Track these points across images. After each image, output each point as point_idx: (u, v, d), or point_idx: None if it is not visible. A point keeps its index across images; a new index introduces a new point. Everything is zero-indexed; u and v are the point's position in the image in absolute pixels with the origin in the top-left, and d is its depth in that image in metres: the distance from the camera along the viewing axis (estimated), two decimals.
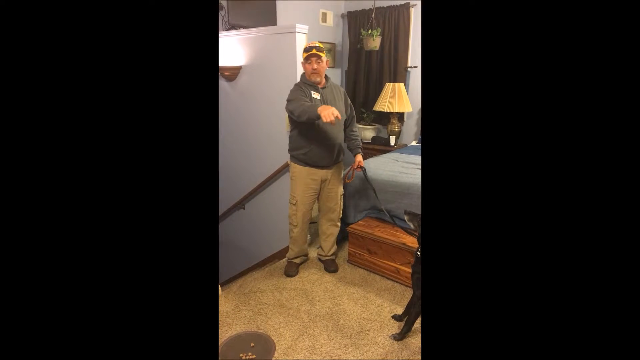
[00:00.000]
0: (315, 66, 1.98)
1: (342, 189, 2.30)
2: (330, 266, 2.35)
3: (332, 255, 2.40)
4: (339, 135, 2.12)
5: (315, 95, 2.03)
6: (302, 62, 2.04)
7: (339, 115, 1.75)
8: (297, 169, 2.14)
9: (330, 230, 2.35)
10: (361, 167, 2.27)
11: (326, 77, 2.11)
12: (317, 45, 1.98)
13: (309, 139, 2.05)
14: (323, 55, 1.99)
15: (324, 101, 2.02)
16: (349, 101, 2.22)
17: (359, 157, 2.28)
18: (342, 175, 2.31)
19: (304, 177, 2.13)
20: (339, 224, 2.37)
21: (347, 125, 2.23)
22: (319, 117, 1.75)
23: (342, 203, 2.33)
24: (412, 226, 1.74)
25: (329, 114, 1.70)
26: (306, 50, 1.98)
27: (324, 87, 2.06)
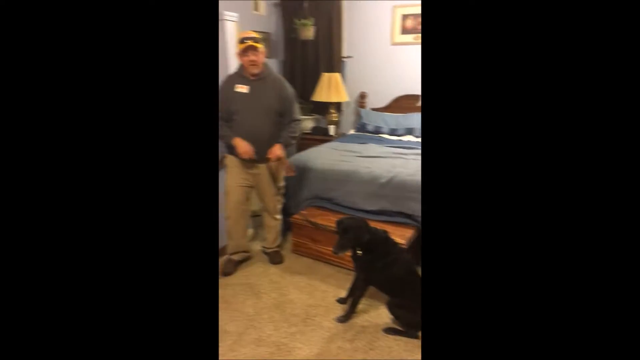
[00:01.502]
0: (252, 58, 1.90)
1: (281, 183, 2.24)
2: (274, 258, 2.34)
3: (276, 247, 2.38)
4: (264, 130, 2.02)
5: (241, 89, 1.96)
6: (237, 54, 1.94)
7: (252, 156, 1.96)
8: (229, 159, 2.10)
9: (270, 223, 2.33)
10: (270, 155, 2.06)
11: (267, 66, 2.03)
12: (253, 35, 1.90)
13: (235, 133, 2.00)
14: (260, 46, 1.91)
15: (249, 95, 1.96)
16: (289, 94, 2.09)
17: (276, 147, 2.06)
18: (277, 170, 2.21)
19: (234, 167, 2.09)
20: (278, 217, 2.34)
21: (286, 120, 2.10)
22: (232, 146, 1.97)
23: (279, 198, 2.30)
24: (348, 252, 1.74)
25: (243, 152, 1.96)
26: (241, 41, 1.89)
27: (258, 79, 1.98)
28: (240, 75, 2.00)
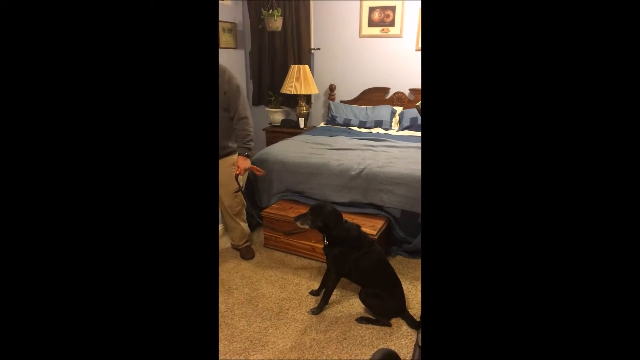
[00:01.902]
0: None
1: (237, 184, 2.10)
2: (245, 254, 2.30)
3: (244, 243, 2.34)
4: None
5: None
6: None
7: None
8: None
9: (230, 224, 2.27)
10: (237, 172, 2.02)
11: None
12: None
13: None
14: None
15: None
16: (231, 87, 1.89)
17: (239, 161, 2.00)
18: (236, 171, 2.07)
19: None
20: (240, 220, 2.26)
21: (232, 116, 1.95)
22: None
23: (238, 199, 2.19)
24: (307, 227, 1.78)
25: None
26: None
27: None
28: None
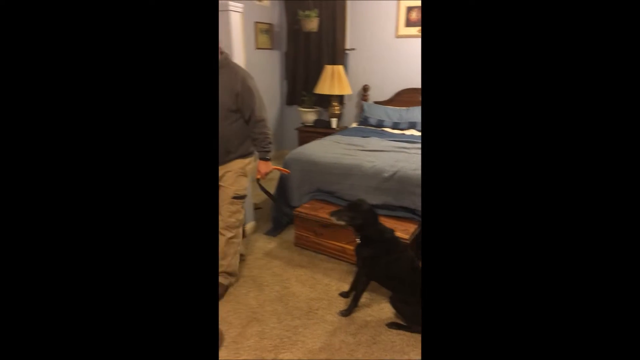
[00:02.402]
0: None
1: (239, 193, 1.86)
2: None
3: (224, 270, 1.88)
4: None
5: None
6: None
7: None
8: None
9: (220, 239, 1.88)
10: (259, 177, 1.91)
11: (225, 57, 1.76)
12: None
13: None
14: None
15: None
16: (246, 89, 1.74)
17: (260, 165, 1.89)
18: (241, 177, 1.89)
19: None
20: (229, 234, 1.86)
21: (247, 119, 1.80)
22: None
23: (235, 209, 1.87)
24: (342, 223, 1.76)
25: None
26: None
27: None
28: None
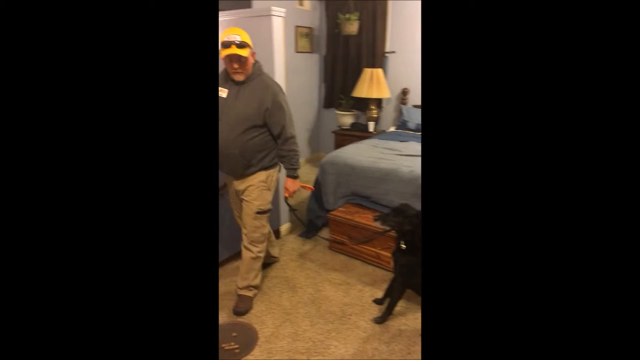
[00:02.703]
0: (235, 65, 1.60)
1: (263, 208, 1.80)
2: (238, 305, 1.84)
3: (245, 288, 1.87)
4: (234, 144, 1.65)
5: (221, 93, 1.69)
6: (220, 55, 1.60)
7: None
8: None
9: (243, 254, 1.87)
10: (287, 195, 1.88)
11: (257, 68, 1.70)
12: (238, 39, 1.56)
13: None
14: (245, 53, 1.58)
15: (225, 101, 1.67)
16: (275, 104, 1.67)
17: (288, 183, 1.84)
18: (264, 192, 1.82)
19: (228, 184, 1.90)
20: (255, 249, 1.84)
21: (276, 135, 1.75)
22: None
23: (259, 224, 1.82)
24: (388, 228, 1.71)
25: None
26: (224, 45, 1.57)
27: (242, 82, 1.66)
28: (223, 76, 1.71)
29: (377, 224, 1.71)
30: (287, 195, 1.87)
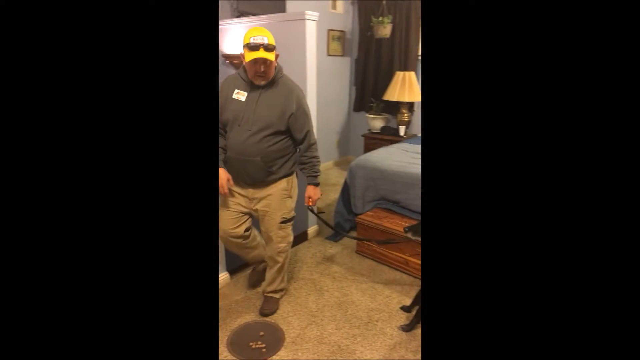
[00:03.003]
0: (262, 69, 1.51)
1: (286, 217, 1.75)
2: (265, 307, 1.85)
3: (272, 291, 1.88)
4: (254, 150, 1.59)
5: (238, 96, 1.59)
6: (243, 59, 1.52)
7: (225, 190, 1.62)
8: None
9: (269, 261, 1.86)
10: (311, 203, 1.81)
11: (279, 71, 1.62)
12: (266, 41, 1.46)
13: (229, 146, 1.66)
14: (273, 55, 1.50)
15: (245, 104, 1.59)
16: (299, 110, 1.61)
17: (310, 191, 1.79)
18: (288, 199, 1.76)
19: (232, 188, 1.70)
20: (280, 258, 1.82)
21: (299, 142, 1.70)
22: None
23: (284, 234, 1.78)
24: (419, 239, 1.63)
25: (220, 186, 1.60)
26: (251, 47, 1.46)
27: (263, 87, 1.58)
28: (242, 78, 1.61)
29: (409, 235, 1.66)
30: (310, 204, 1.82)
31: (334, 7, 3.81)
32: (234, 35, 2.73)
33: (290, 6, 3.20)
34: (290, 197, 1.76)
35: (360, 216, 2.43)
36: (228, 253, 2.05)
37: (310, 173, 1.77)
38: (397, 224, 2.27)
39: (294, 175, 1.79)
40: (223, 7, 3.14)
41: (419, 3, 3.48)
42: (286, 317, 1.82)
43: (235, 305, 1.92)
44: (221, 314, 1.85)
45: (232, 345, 1.63)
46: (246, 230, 1.79)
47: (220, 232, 1.76)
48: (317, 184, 1.79)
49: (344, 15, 3.95)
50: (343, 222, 2.65)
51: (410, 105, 3.73)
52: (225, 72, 2.94)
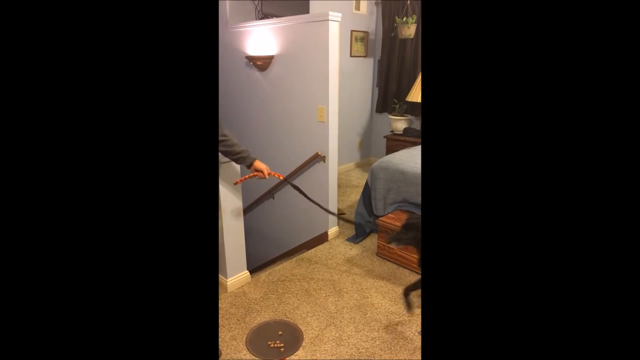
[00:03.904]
0: None
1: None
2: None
3: None
4: None
5: None
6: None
7: (267, 176, 1.84)
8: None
9: None
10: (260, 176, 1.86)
11: None
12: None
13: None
14: None
15: None
16: None
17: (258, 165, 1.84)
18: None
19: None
20: None
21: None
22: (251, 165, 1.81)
23: None
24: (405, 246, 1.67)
25: (263, 170, 1.82)
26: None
27: None
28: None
29: (393, 245, 1.67)
30: (243, 179, 1.90)
31: (357, 8, 3.79)
32: (258, 37, 2.77)
33: (313, 7, 3.21)
34: None
35: (381, 218, 2.40)
36: (248, 252, 2.07)
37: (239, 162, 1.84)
38: None
39: None
40: (247, 8, 3.19)
41: None
42: (305, 317, 1.82)
43: (254, 304, 1.94)
44: (240, 313, 1.87)
45: (251, 344, 1.65)
46: None
47: None
48: (248, 165, 1.83)
49: (367, 16, 3.93)
50: (364, 224, 2.63)
51: None
52: (248, 73, 2.98)
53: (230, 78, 3.19)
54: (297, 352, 1.60)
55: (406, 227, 1.65)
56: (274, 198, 3.17)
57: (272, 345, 1.63)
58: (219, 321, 1.80)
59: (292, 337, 1.69)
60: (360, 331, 1.73)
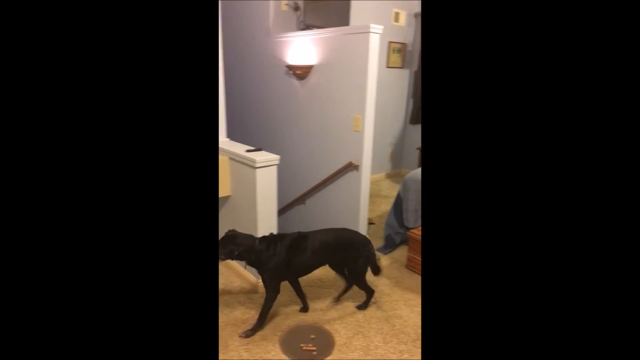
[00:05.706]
0: None
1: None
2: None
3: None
4: None
5: None
6: None
7: None
8: None
9: None
10: None
11: None
12: None
13: None
14: None
15: None
16: None
17: None
18: None
19: None
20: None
21: None
22: None
23: None
24: (224, 259, 1.71)
25: None
26: None
27: None
28: None
29: (221, 260, 1.71)
30: None
31: (396, 20, 3.82)
32: (298, 47, 2.85)
33: (354, 19, 3.27)
34: None
35: (412, 230, 2.40)
36: None
37: None
38: None
39: None
40: (289, 19, 3.30)
41: None
42: (333, 325, 1.84)
43: (283, 307, 1.98)
44: (269, 314, 1.92)
45: (284, 345, 1.69)
46: None
47: None
48: None
49: (405, 28, 3.94)
50: (394, 235, 2.63)
51: None
52: (288, 82, 3.07)
53: (270, 86, 3.29)
54: (328, 357, 1.63)
55: (223, 241, 1.74)
56: (305, 204, 3.22)
57: (304, 348, 1.66)
58: (251, 321, 1.85)
59: (325, 341, 1.72)
60: (388, 342, 1.73)
